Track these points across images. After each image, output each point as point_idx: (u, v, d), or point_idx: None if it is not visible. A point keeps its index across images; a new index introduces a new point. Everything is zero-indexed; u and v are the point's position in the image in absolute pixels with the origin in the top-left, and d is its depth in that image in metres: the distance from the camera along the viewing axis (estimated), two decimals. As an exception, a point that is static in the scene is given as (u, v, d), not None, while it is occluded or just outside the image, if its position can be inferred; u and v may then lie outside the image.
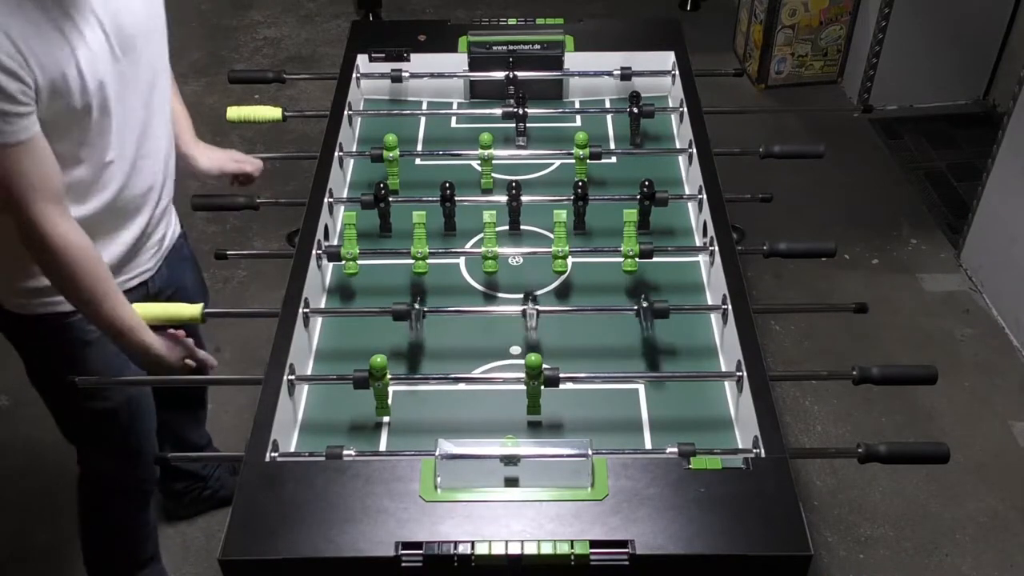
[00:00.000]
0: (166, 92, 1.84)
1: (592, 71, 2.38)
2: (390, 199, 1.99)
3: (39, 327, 1.81)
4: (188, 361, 1.82)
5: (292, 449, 1.61)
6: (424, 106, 2.42)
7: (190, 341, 1.83)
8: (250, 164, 2.12)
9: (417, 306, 1.74)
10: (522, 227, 2.02)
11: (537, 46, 2.36)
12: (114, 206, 1.74)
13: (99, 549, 2.23)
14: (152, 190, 1.83)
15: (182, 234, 2.05)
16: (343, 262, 1.88)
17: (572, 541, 1.33)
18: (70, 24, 1.54)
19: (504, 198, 2.01)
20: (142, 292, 1.89)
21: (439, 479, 1.42)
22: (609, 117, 2.38)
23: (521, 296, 1.85)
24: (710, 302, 1.87)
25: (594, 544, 1.33)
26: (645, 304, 1.74)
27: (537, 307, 1.76)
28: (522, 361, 1.57)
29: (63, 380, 1.75)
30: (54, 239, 1.59)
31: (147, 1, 1.72)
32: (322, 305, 1.88)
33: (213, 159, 2.08)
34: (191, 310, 1.78)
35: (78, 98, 1.56)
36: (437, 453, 1.43)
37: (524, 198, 1.99)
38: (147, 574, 2.26)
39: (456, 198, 1.99)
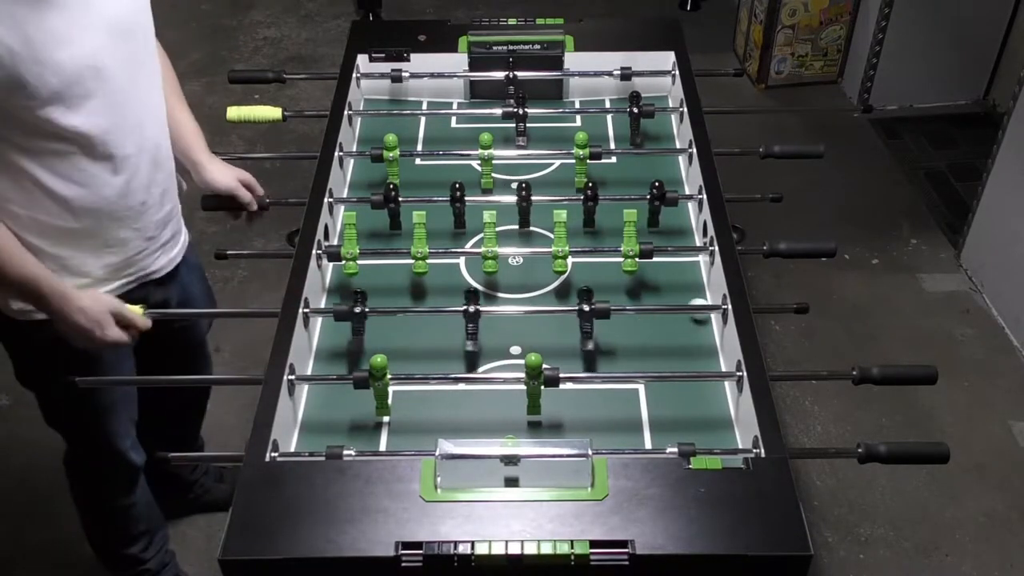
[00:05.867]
0: (156, 92, 1.82)
1: (592, 71, 2.38)
2: (400, 199, 1.99)
3: (35, 333, 1.81)
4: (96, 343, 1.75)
5: (292, 449, 1.61)
6: (424, 106, 2.42)
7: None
8: (257, 189, 2.07)
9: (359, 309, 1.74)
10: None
11: (537, 46, 2.36)
12: (112, 201, 1.73)
13: (89, 522, 2.27)
14: (151, 188, 1.81)
15: (190, 243, 2.04)
16: (343, 262, 1.88)
17: (572, 541, 1.33)
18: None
19: (504, 198, 2.01)
20: (141, 295, 1.88)
21: (439, 479, 1.42)
22: (609, 117, 2.38)
23: (520, 296, 1.87)
24: (710, 302, 1.87)
25: (594, 544, 1.33)
26: (587, 308, 1.74)
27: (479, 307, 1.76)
28: (522, 361, 1.57)
29: (49, 379, 1.80)
30: None
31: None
32: (322, 305, 1.88)
33: (225, 172, 2.03)
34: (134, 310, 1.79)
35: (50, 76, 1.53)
36: (437, 453, 1.43)
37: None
38: (142, 547, 2.28)
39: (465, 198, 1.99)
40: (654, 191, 1.97)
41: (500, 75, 2.35)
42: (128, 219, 1.78)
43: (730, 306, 1.71)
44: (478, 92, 2.42)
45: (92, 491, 2.20)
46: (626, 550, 1.32)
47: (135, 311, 1.77)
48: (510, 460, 1.45)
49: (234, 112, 2.23)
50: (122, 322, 1.76)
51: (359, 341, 1.78)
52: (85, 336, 1.73)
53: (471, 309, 1.74)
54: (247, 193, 2.04)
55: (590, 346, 1.76)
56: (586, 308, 1.74)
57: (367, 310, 1.75)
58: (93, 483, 2.19)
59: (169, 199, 1.90)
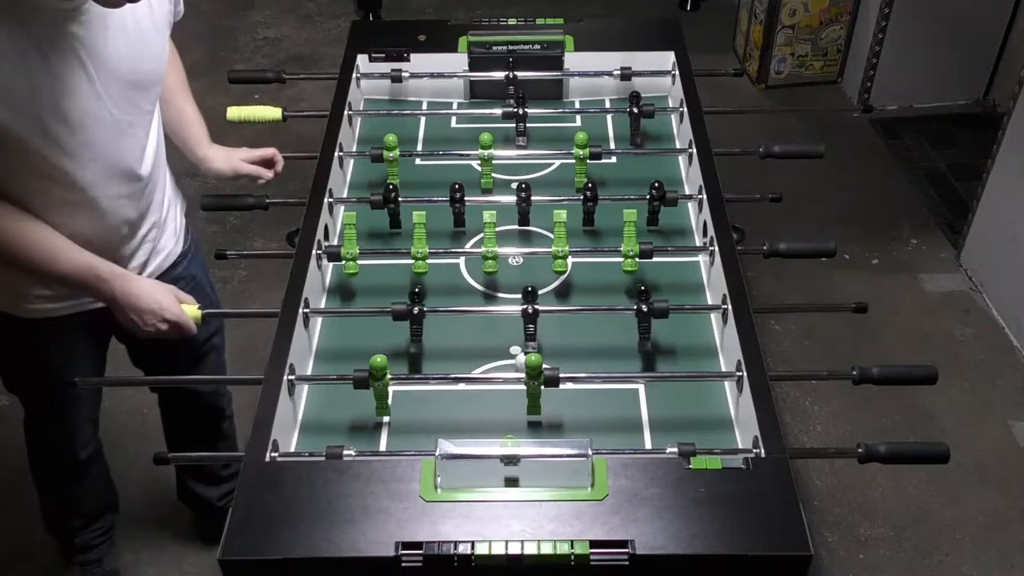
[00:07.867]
0: (150, 128, 1.78)
1: (592, 71, 2.38)
2: (399, 199, 1.98)
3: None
4: (160, 325, 1.73)
5: (292, 449, 1.61)
6: (424, 106, 2.42)
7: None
8: (261, 153, 2.13)
9: (417, 309, 1.74)
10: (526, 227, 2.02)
11: (537, 46, 2.36)
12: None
13: (38, 489, 2.36)
14: (123, 229, 1.79)
15: (182, 254, 2.00)
16: (343, 262, 1.88)
17: (572, 541, 1.33)
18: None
19: (504, 198, 2.01)
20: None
21: (439, 479, 1.42)
22: (609, 117, 2.38)
23: (520, 296, 1.87)
24: (710, 302, 1.87)
25: (594, 544, 1.33)
26: (645, 308, 1.74)
27: (537, 306, 1.75)
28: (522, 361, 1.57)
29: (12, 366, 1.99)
30: None
31: (152, 55, 1.71)
32: (322, 305, 1.88)
33: (224, 163, 2.09)
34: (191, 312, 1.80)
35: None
36: (437, 453, 1.43)
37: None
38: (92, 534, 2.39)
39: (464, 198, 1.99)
40: (654, 191, 1.97)
41: (500, 75, 2.35)
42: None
43: (730, 306, 1.71)
44: (478, 92, 2.42)
45: (34, 461, 2.28)
46: (626, 550, 1.32)
47: (191, 310, 1.78)
48: (510, 460, 1.45)
49: (234, 112, 2.23)
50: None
51: (417, 344, 1.77)
52: (153, 316, 1.70)
53: (530, 309, 1.74)
54: (255, 168, 2.12)
55: (648, 346, 1.76)
56: (644, 308, 1.74)
57: (425, 309, 1.75)
58: (36, 463, 2.27)
59: (149, 235, 1.87)
